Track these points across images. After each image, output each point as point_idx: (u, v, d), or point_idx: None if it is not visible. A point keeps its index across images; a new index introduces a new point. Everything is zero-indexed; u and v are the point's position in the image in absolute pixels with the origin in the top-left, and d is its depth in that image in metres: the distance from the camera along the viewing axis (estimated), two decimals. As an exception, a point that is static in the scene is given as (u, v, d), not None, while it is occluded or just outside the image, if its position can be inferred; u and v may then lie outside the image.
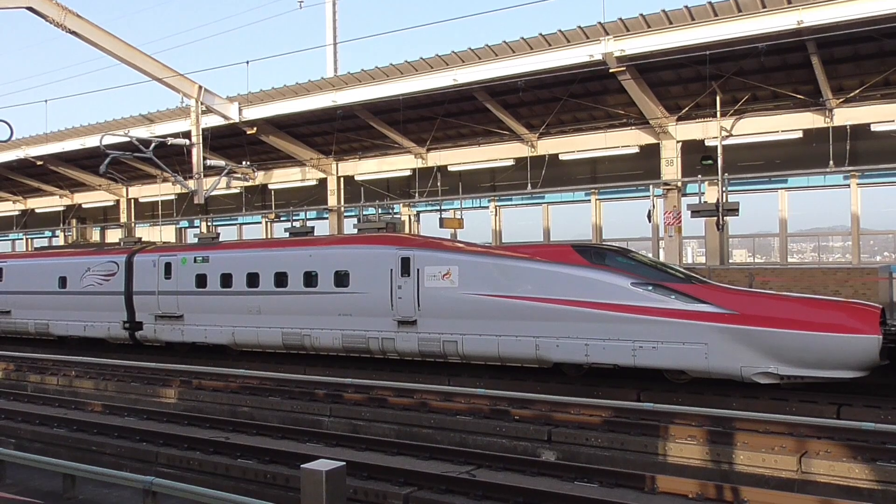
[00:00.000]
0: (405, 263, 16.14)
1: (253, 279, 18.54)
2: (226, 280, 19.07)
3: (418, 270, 15.92)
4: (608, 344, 13.65)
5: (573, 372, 14.98)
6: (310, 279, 17.58)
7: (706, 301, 12.92)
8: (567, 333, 14.07)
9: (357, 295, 16.78)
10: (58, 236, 40.00)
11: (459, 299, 15.32)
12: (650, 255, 21.10)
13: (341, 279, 17.05)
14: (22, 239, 42.38)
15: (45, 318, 23.43)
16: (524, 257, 15.02)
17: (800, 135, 21.01)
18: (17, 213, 41.99)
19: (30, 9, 23.12)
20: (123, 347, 22.23)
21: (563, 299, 14.05)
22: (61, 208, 39.67)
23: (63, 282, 22.80)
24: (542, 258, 14.78)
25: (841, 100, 20.32)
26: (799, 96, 20.71)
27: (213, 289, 19.32)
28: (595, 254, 14.61)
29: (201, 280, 19.57)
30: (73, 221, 38.64)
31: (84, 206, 39.10)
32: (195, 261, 19.87)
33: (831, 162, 20.11)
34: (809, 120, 20.89)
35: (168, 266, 20.37)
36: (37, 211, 41.09)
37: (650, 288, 13.40)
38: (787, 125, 21.17)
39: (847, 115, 20.39)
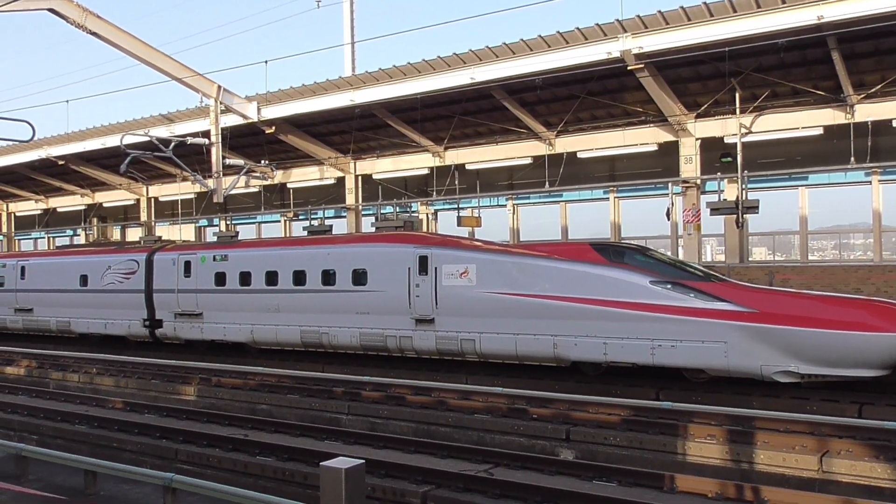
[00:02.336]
0: (423, 262, 16.15)
1: (272, 277, 18.65)
2: (245, 278, 19.20)
3: (436, 269, 15.94)
4: (627, 342, 13.60)
5: (591, 371, 14.93)
6: (328, 277, 17.66)
7: (726, 299, 12.83)
8: (585, 332, 14.04)
9: (375, 293, 16.84)
10: (79, 235, 40.40)
11: (477, 298, 15.31)
12: (669, 254, 20.97)
13: (359, 277, 17.11)
14: (44, 238, 42.87)
15: (66, 316, 23.71)
16: (542, 256, 14.99)
17: (820, 131, 20.77)
18: (39, 212, 42.46)
19: (51, 10, 23.32)
20: (143, 345, 22.45)
21: (582, 298, 14.02)
22: (82, 207, 40.05)
23: (84, 280, 23.05)
24: (560, 256, 14.75)
25: (862, 95, 20.06)
26: (819, 92, 20.48)
27: (232, 287, 19.46)
28: (614, 252, 14.56)
29: (220, 278, 19.71)
30: (94, 220, 39.01)
31: (105, 204, 39.44)
32: (214, 259, 20.02)
33: (852, 158, 19.86)
34: (830, 116, 20.65)
35: (188, 264, 20.54)
36: (58, 210, 41.51)
37: (669, 286, 13.33)
38: (807, 122, 20.92)
39: (868, 111, 20.12)
